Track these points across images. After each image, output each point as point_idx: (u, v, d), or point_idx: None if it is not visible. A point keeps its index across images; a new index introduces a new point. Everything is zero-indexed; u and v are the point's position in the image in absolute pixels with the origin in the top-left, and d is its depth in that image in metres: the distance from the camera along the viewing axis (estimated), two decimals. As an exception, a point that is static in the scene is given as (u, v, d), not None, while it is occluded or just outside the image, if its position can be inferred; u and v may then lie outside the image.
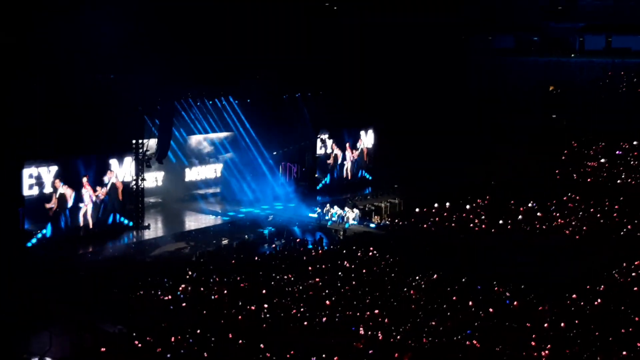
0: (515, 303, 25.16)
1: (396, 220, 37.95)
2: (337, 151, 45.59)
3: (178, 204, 40.05)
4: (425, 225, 36.75)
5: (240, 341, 21.39)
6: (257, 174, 43.01)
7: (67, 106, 30.83)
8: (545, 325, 23.21)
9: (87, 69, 31.68)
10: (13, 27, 30.45)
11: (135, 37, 32.10)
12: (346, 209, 37.93)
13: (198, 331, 21.97)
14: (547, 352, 21.02)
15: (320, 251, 32.25)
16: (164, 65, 32.96)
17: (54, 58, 30.81)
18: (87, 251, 31.31)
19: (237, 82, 39.75)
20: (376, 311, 24.01)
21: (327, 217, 37.46)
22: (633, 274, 28.83)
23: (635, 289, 26.88)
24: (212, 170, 42.90)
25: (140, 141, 34.93)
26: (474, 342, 21.71)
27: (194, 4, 36.09)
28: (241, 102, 40.94)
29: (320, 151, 44.19)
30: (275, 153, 43.39)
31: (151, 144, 35.79)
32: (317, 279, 27.46)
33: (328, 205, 38.32)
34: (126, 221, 34.51)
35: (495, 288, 26.64)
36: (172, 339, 21.44)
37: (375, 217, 39.32)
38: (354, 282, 27.19)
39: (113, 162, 33.67)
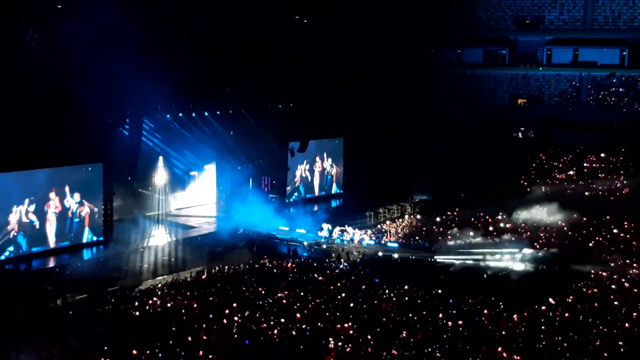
0: (485, 311, 25.35)
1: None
2: (305, 166, 45.63)
3: (148, 217, 39.77)
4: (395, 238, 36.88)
5: (210, 356, 21.26)
6: (229, 187, 42.88)
7: (34, 117, 30.42)
8: (515, 334, 23.36)
9: (58, 78, 31.26)
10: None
11: (107, 48, 31.74)
12: (349, 229, 37.37)
13: (168, 344, 21.79)
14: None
15: (291, 264, 32.24)
16: (136, 78, 32.68)
17: (25, 66, 30.39)
18: (55, 265, 30.94)
19: (209, 95, 39.63)
20: (346, 324, 24.01)
21: (337, 238, 36.80)
22: (601, 285, 29.15)
23: (603, 301, 27.17)
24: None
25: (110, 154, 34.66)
26: (445, 354, 21.78)
27: (167, 16, 35.80)
28: (212, 115, 40.75)
29: (291, 164, 44.13)
30: (245, 166, 43.26)
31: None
32: (288, 292, 27.43)
33: (336, 227, 37.70)
34: (95, 236, 34.19)
35: (467, 299, 26.82)
36: (141, 352, 21.27)
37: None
38: (324, 296, 27.19)
39: (81, 175, 33.41)
